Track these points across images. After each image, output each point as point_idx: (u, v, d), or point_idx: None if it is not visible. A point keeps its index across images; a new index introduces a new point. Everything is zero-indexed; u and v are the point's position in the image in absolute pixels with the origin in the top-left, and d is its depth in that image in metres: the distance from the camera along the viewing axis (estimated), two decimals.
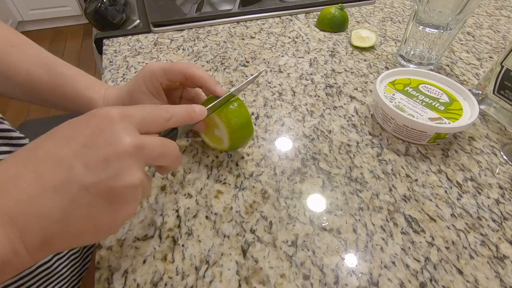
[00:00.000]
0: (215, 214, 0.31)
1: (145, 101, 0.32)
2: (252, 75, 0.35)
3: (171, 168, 0.26)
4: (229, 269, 0.27)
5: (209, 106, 0.29)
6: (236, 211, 0.31)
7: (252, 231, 0.30)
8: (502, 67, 0.39)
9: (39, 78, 0.33)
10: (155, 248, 0.28)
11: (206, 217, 0.31)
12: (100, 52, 0.55)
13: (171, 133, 0.26)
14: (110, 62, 0.50)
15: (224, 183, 0.33)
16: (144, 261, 0.27)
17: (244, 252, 0.28)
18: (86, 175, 0.18)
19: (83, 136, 0.19)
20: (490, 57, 0.54)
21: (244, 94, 0.45)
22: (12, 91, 0.34)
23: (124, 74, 0.48)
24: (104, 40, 0.55)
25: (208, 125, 0.33)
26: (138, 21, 0.60)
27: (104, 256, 0.27)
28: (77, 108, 0.35)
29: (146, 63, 0.50)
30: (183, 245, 0.28)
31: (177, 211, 0.31)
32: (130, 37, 0.56)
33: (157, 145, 0.21)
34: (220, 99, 0.30)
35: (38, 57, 0.34)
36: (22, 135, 0.33)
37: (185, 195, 0.32)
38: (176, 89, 0.36)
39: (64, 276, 0.35)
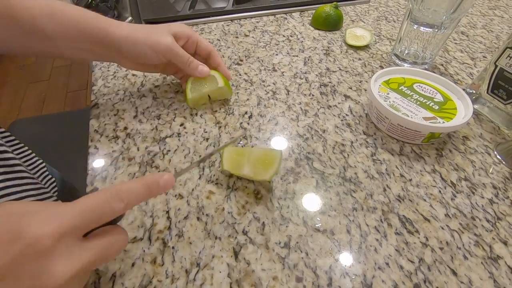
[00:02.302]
0: (207, 215, 0.30)
1: (166, 35, 0.36)
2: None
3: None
4: (220, 272, 0.26)
5: (176, 173, 0.26)
6: (228, 212, 0.30)
7: (244, 233, 0.29)
8: (496, 66, 0.39)
9: (71, 17, 0.33)
10: (144, 251, 0.27)
11: (198, 218, 0.30)
12: None
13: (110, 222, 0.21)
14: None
15: (216, 183, 0.33)
16: (133, 264, 0.26)
17: (236, 254, 0.27)
18: None
19: (5, 264, 0.15)
20: (484, 56, 0.54)
21: (237, 92, 0.44)
22: (13, 34, 0.32)
23: (115, 72, 0.47)
24: None
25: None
26: (130, 18, 0.58)
27: None
28: (90, 39, 0.34)
29: None
30: (173, 248, 0.28)
31: (167, 212, 0.30)
32: None
33: (103, 253, 0.19)
34: (188, 166, 0.29)
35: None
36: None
37: (176, 196, 0.32)
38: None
39: None
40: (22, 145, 0.42)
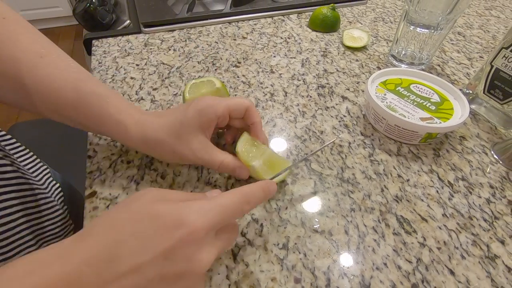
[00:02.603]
0: None
1: (194, 142, 0.29)
2: (324, 143, 0.35)
3: None
4: (219, 274, 0.26)
5: (273, 178, 0.29)
6: None
7: (243, 234, 0.29)
8: (492, 66, 0.40)
9: (66, 95, 0.29)
10: None
11: None
12: (89, 53, 0.54)
13: None
14: (99, 63, 0.49)
15: (215, 185, 0.33)
16: None
17: (234, 256, 0.28)
18: (160, 284, 0.19)
19: (164, 248, 0.19)
20: (480, 56, 0.54)
21: (235, 95, 0.44)
22: (34, 106, 0.30)
23: (113, 76, 0.47)
24: (93, 41, 0.54)
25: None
26: (128, 21, 0.59)
27: None
28: (103, 131, 0.31)
29: (136, 64, 0.49)
30: None
31: None
32: (120, 37, 0.55)
33: (227, 245, 0.23)
34: (282, 170, 0.30)
35: (68, 72, 0.30)
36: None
37: None
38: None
39: None
40: (23, 147, 0.42)
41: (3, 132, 0.39)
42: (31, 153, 0.42)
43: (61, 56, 0.31)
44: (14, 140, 0.40)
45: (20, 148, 0.41)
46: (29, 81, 0.28)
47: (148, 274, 0.18)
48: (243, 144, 0.31)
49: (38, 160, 0.43)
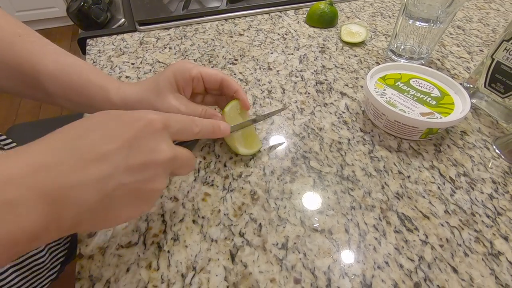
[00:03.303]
0: (203, 217, 0.30)
1: (171, 99, 0.31)
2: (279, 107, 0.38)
3: (180, 175, 0.29)
4: (217, 275, 0.26)
5: (232, 125, 0.32)
6: (224, 214, 0.30)
7: (241, 235, 0.28)
8: (493, 60, 0.39)
9: (45, 68, 0.30)
10: (139, 256, 0.27)
11: (193, 221, 0.29)
12: (84, 52, 0.53)
13: (190, 141, 0.29)
14: (94, 62, 0.49)
15: (212, 185, 0.32)
16: (128, 270, 0.26)
17: (232, 257, 0.27)
18: (126, 175, 0.20)
19: (128, 137, 0.20)
20: (480, 50, 0.53)
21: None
22: (15, 84, 0.31)
23: (109, 74, 0.46)
24: (88, 40, 0.53)
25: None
26: (123, 19, 0.58)
27: (85, 265, 0.26)
28: (84, 100, 0.31)
29: (132, 63, 0.48)
30: (168, 252, 0.27)
31: (162, 215, 0.30)
32: (114, 36, 0.55)
33: (186, 157, 0.24)
34: (242, 122, 0.33)
35: (46, 48, 0.31)
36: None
37: (171, 198, 0.31)
38: (198, 94, 0.35)
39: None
40: None
41: (2, 135, 0.38)
42: None
43: (39, 36, 0.32)
44: (10, 140, 0.39)
45: None
46: (8, 58, 0.29)
47: (114, 162, 0.19)
48: (230, 109, 0.33)
49: None
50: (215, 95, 0.36)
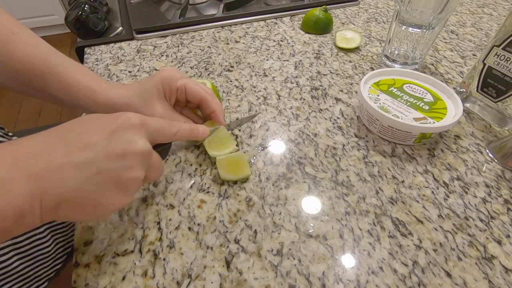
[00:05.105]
0: (198, 224, 0.30)
1: (157, 106, 0.33)
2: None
3: (150, 180, 0.29)
4: (212, 283, 0.26)
5: (211, 129, 0.34)
6: (220, 221, 0.30)
7: (236, 241, 0.29)
8: (484, 64, 0.39)
9: (36, 67, 0.31)
10: (135, 264, 0.27)
11: (189, 228, 0.30)
12: (82, 61, 0.53)
13: (164, 146, 0.31)
14: (92, 71, 0.49)
15: (208, 192, 0.33)
16: (124, 278, 0.26)
17: (228, 264, 0.27)
18: (106, 161, 0.22)
19: (109, 130, 0.23)
20: (473, 55, 0.54)
21: (228, 99, 0.44)
22: (7, 81, 0.32)
23: (107, 80, 0.47)
24: (86, 49, 0.54)
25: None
26: (120, 28, 0.59)
27: (81, 274, 0.26)
28: (73, 98, 0.32)
29: (129, 71, 0.49)
30: (164, 259, 0.27)
31: (158, 223, 0.30)
32: (112, 44, 0.55)
33: (157, 160, 0.27)
34: (219, 127, 0.35)
35: (38, 48, 0.32)
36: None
37: (167, 206, 0.31)
38: (179, 103, 0.36)
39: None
40: None
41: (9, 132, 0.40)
42: None
43: (32, 35, 0.32)
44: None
45: None
46: (1, 55, 0.30)
47: (95, 150, 0.22)
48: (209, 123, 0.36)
49: None
50: (194, 108, 0.38)
